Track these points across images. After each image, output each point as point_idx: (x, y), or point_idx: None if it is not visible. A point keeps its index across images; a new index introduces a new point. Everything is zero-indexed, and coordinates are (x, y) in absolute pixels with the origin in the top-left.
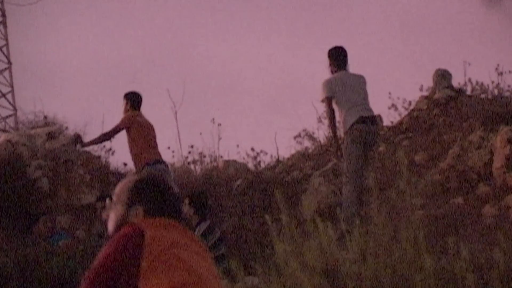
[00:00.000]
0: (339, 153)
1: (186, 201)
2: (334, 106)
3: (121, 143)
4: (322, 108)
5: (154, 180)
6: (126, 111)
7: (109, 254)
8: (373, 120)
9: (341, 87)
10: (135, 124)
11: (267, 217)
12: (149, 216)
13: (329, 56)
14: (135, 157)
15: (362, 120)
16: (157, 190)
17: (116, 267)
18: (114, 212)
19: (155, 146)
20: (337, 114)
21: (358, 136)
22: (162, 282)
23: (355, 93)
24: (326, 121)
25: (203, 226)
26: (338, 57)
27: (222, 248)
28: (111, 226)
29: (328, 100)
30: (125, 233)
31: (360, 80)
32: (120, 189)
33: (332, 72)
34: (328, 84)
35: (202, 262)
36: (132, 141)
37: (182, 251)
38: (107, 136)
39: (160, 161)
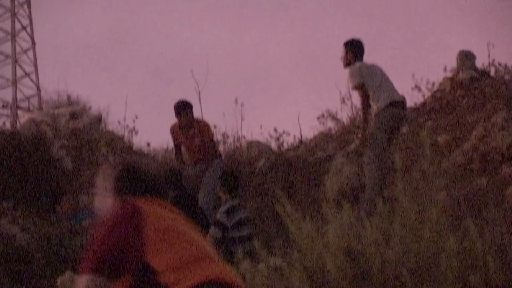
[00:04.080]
0: (364, 141)
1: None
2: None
3: (144, 123)
4: (345, 89)
5: (131, 167)
6: None
7: (111, 229)
8: (403, 104)
9: (370, 73)
10: (174, 137)
11: (284, 199)
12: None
13: (348, 47)
14: None
15: (395, 104)
16: (134, 176)
17: (119, 240)
18: (98, 201)
19: (194, 151)
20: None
21: (388, 120)
22: (174, 256)
23: (383, 77)
24: (349, 102)
25: (228, 204)
26: (358, 48)
27: (246, 230)
28: (98, 213)
29: (362, 86)
30: (123, 208)
31: (381, 68)
32: (100, 178)
33: (348, 62)
34: (358, 71)
35: (195, 232)
36: None
37: (182, 225)
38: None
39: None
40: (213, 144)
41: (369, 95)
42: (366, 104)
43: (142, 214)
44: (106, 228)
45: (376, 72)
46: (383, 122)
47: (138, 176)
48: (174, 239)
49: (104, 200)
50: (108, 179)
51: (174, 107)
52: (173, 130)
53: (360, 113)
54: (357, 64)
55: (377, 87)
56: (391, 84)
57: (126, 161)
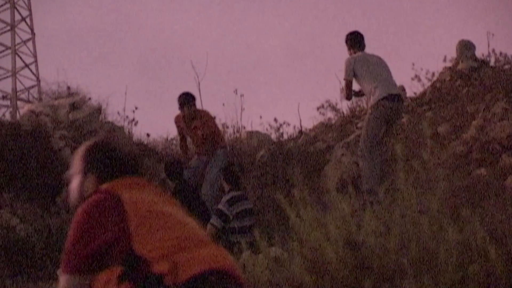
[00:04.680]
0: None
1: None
2: (359, 82)
3: (144, 114)
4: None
5: (103, 144)
6: None
7: (88, 224)
8: (400, 97)
9: (365, 64)
10: (178, 128)
11: (279, 195)
12: (103, 181)
13: (346, 41)
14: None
15: (391, 97)
16: (107, 153)
17: (99, 234)
18: (72, 184)
19: (198, 142)
20: (356, 88)
21: (383, 113)
22: (162, 242)
23: (382, 69)
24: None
25: (229, 195)
26: (354, 40)
27: (247, 221)
28: (72, 198)
29: (348, 82)
30: (99, 196)
31: (381, 59)
32: (74, 160)
33: (349, 54)
34: (350, 63)
35: (183, 213)
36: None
37: (165, 207)
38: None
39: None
40: (215, 135)
41: (351, 93)
42: (347, 98)
43: (121, 202)
44: (83, 223)
45: (373, 63)
46: (378, 116)
47: (110, 153)
48: (159, 224)
49: (77, 183)
50: (79, 159)
51: (178, 99)
52: (177, 121)
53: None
54: (352, 56)
55: (373, 79)
56: (389, 76)
57: (96, 139)
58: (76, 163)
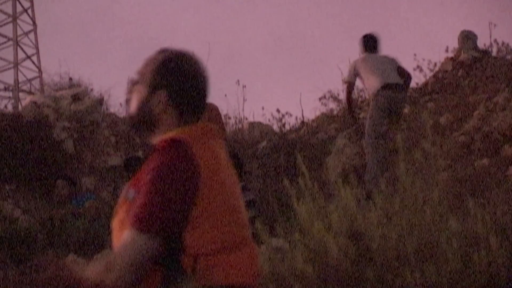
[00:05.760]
0: (353, 116)
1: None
2: (363, 80)
3: None
4: (346, 70)
5: (184, 62)
6: None
7: (167, 182)
8: (399, 87)
9: (366, 62)
10: None
11: (286, 181)
12: (172, 104)
13: (359, 43)
14: None
15: (389, 86)
16: (186, 74)
17: (175, 198)
18: (137, 94)
19: None
20: (358, 83)
21: (383, 102)
22: (213, 238)
23: (383, 64)
24: None
25: None
26: (366, 43)
27: (250, 212)
28: (133, 108)
29: (348, 85)
30: (176, 156)
31: (389, 57)
32: (144, 68)
33: None
34: (352, 66)
35: (234, 181)
36: None
37: (230, 176)
38: None
39: None
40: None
41: (351, 96)
42: (348, 101)
43: (200, 175)
44: (161, 179)
45: (374, 60)
46: (378, 105)
47: (193, 74)
48: (222, 217)
49: (142, 96)
50: (152, 69)
51: None
52: None
53: (346, 105)
54: (357, 58)
55: (373, 72)
56: (389, 69)
57: (175, 51)
58: (145, 73)
